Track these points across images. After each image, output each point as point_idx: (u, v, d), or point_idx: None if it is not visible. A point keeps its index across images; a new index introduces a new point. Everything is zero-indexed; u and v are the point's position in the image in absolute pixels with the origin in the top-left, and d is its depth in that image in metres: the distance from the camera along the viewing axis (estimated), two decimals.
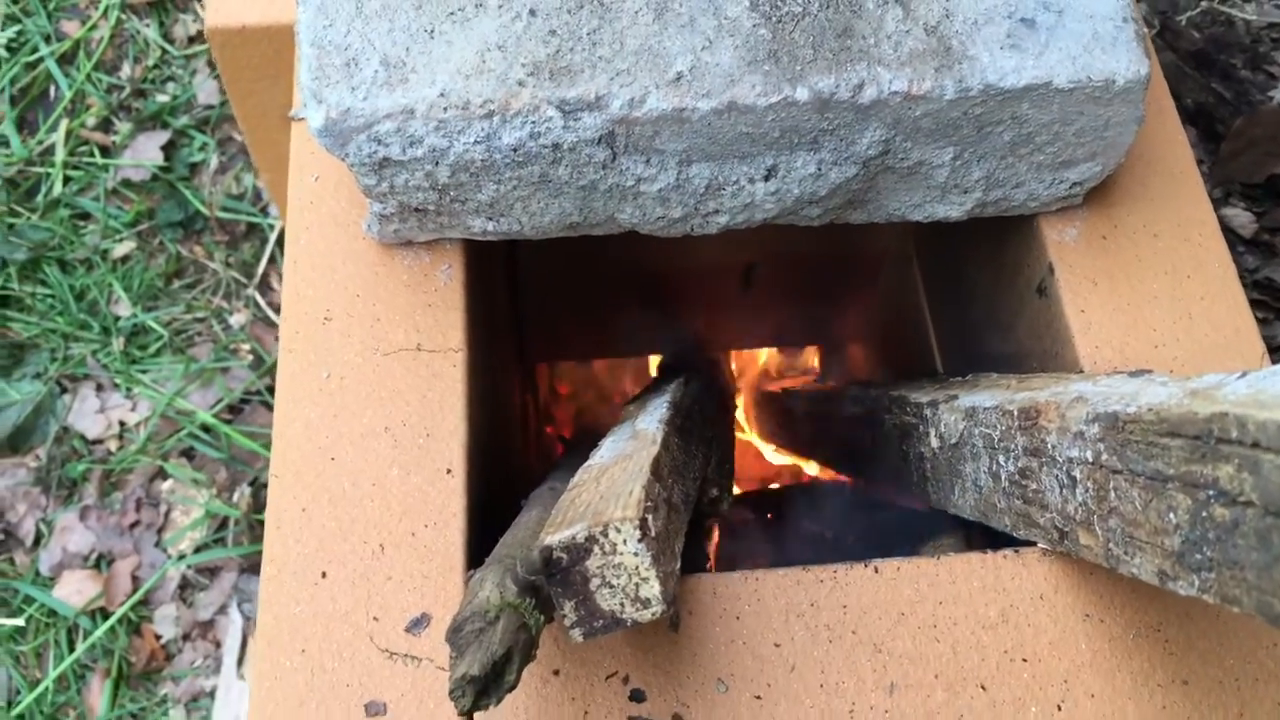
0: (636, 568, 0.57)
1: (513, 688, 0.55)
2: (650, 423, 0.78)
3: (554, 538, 0.57)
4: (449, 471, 0.71)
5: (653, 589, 0.57)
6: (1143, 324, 0.77)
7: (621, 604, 0.58)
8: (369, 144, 0.69)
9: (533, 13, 0.70)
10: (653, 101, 0.68)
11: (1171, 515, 0.55)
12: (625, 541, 0.56)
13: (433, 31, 0.70)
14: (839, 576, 0.69)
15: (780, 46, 0.70)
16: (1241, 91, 1.82)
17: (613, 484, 0.64)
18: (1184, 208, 0.80)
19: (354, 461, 0.71)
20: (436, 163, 0.70)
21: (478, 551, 0.70)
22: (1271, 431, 0.48)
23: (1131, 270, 0.79)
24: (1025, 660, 0.67)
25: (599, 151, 0.70)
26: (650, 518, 0.57)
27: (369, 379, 0.74)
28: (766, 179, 0.73)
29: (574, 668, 0.66)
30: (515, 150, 0.69)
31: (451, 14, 0.70)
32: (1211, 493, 0.51)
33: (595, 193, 0.73)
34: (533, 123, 0.68)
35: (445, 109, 0.68)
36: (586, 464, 0.72)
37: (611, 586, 0.57)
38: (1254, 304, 1.60)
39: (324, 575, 0.68)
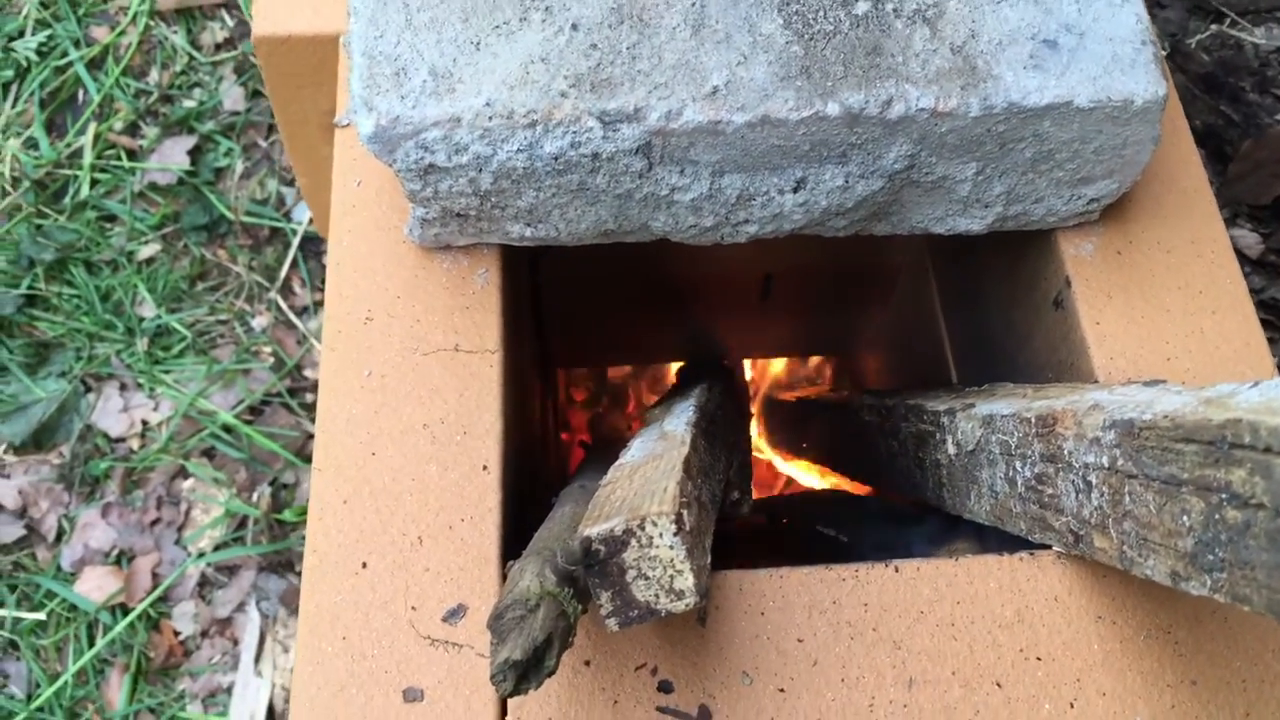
0: (672, 560, 0.59)
1: (552, 672, 0.57)
2: (678, 425, 0.80)
3: (593, 530, 0.59)
4: (485, 468, 0.74)
5: (687, 581, 0.60)
6: (1156, 337, 0.80)
7: (656, 595, 0.60)
8: (416, 150, 0.71)
9: (575, 27, 0.73)
10: (689, 114, 0.71)
11: (1185, 518, 0.57)
12: (661, 535, 0.59)
13: (479, 43, 0.73)
14: (860, 575, 0.71)
15: (812, 63, 0.72)
16: (1250, 114, 1.84)
17: (646, 481, 0.66)
18: (1197, 225, 0.83)
19: (394, 457, 0.74)
20: (480, 170, 0.72)
21: (511, 545, 0.73)
22: None
23: (1146, 285, 0.81)
24: (1039, 659, 0.69)
25: (636, 161, 0.73)
26: (685, 513, 0.60)
27: (409, 377, 0.77)
28: (796, 190, 0.76)
29: (604, 659, 0.69)
30: (556, 159, 0.72)
31: (497, 27, 0.73)
32: (1224, 496, 0.54)
33: (631, 201, 0.76)
34: (574, 133, 0.71)
35: (490, 118, 0.71)
36: (618, 462, 0.75)
37: (647, 578, 0.60)
38: (1261, 324, 1.62)
39: (364, 565, 0.71)
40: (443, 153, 0.72)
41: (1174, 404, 0.61)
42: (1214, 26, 1.91)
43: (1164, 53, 1.86)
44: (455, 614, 0.70)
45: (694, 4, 0.74)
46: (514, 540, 0.73)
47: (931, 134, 0.73)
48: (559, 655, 0.58)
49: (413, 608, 0.69)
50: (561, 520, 0.70)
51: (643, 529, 0.59)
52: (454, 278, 0.81)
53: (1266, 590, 0.52)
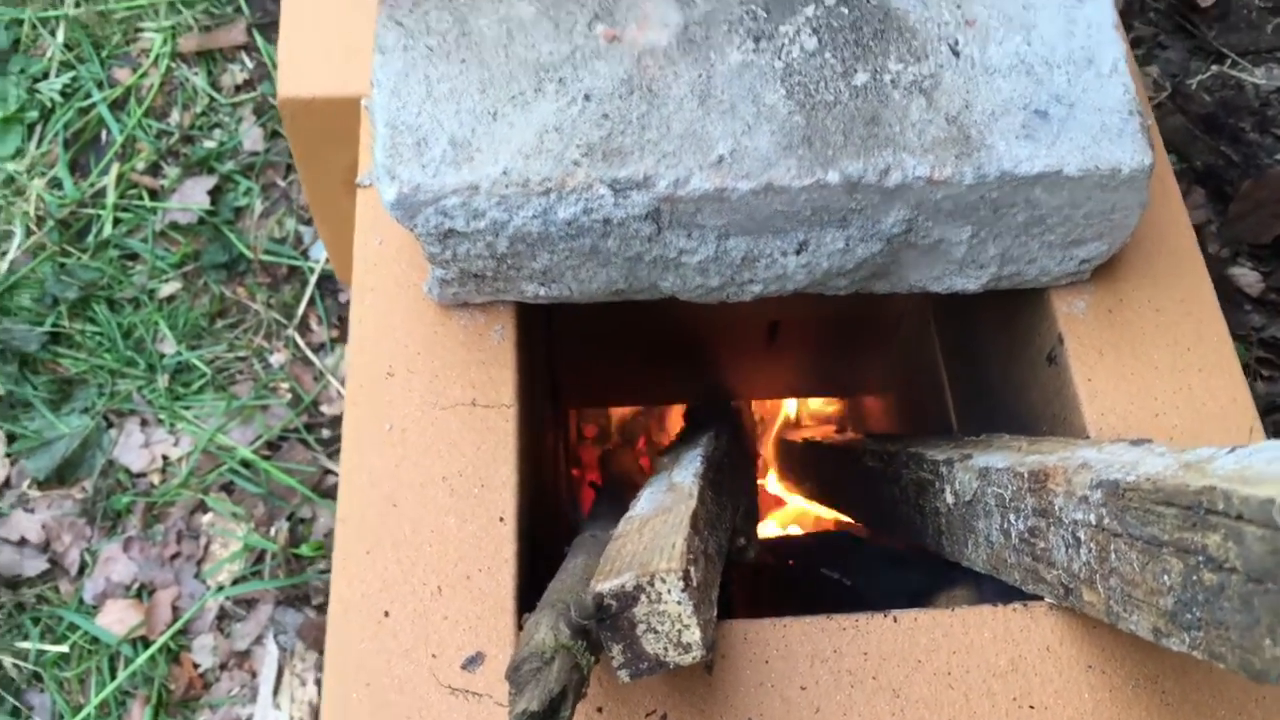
0: (679, 615, 0.62)
1: None
2: (685, 476, 0.84)
3: (605, 585, 0.63)
4: (501, 519, 0.77)
5: (694, 635, 0.63)
6: (1145, 393, 0.83)
7: (665, 648, 0.63)
8: (436, 216, 0.75)
9: (587, 97, 0.77)
10: (696, 182, 0.75)
11: (1165, 577, 0.60)
12: (670, 591, 0.62)
13: (495, 114, 0.76)
14: (860, 625, 0.74)
15: (813, 132, 0.76)
16: (1250, 154, 1.88)
17: (655, 536, 0.70)
18: (1185, 284, 0.86)
19: (414, 509, 0.77)
20: (497, 234, 0.76)
21: (526, 593, 0.76)
22: (1254, 506, 0.54)
23: (1136, 342, 0.85)
24: (1033, 707, 0.72)
25: (645, 226, 0.76)
26: (692, 569, 0.63)
27: (428, 431, 0.80)
28: (798, 253, 0.79)
29: (616, 705, 0.72)
30: (569, 224, 0.75)
31: (513, 98, 0.77)
32: (1201, 558, 0.57)
33: (640, 263, 0.79)
34: (586, 199, 0.75)
35: (507, 186, 0.74)
36: (628, 515, 0.78)
37: (656, 632, 0.63)
38: (1261, 362, 1.65)
39: (386, 614, 0.74)
40: (461, 218, 0.75)
41: (1156, 466, 0.64)
42: (1215, 67, 1.95)
43: (1162, 93, 1.90)
44: (474, 661, 0.73)
45: (700, 75, 0.78)
46: (529, 588, 0.76)
47: (928, 200, 0.77)
48: (573, 706, 0.61)
49: (433, 655, 0.73)
50: (574, 572, 0.74)
51: (652, 585, 0.62)
52: (471, 334, 0.84)
53: (1240, 650, 0.55)
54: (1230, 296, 1.76)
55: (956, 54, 0.79)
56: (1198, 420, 0.80)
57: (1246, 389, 0.82)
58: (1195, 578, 0.57)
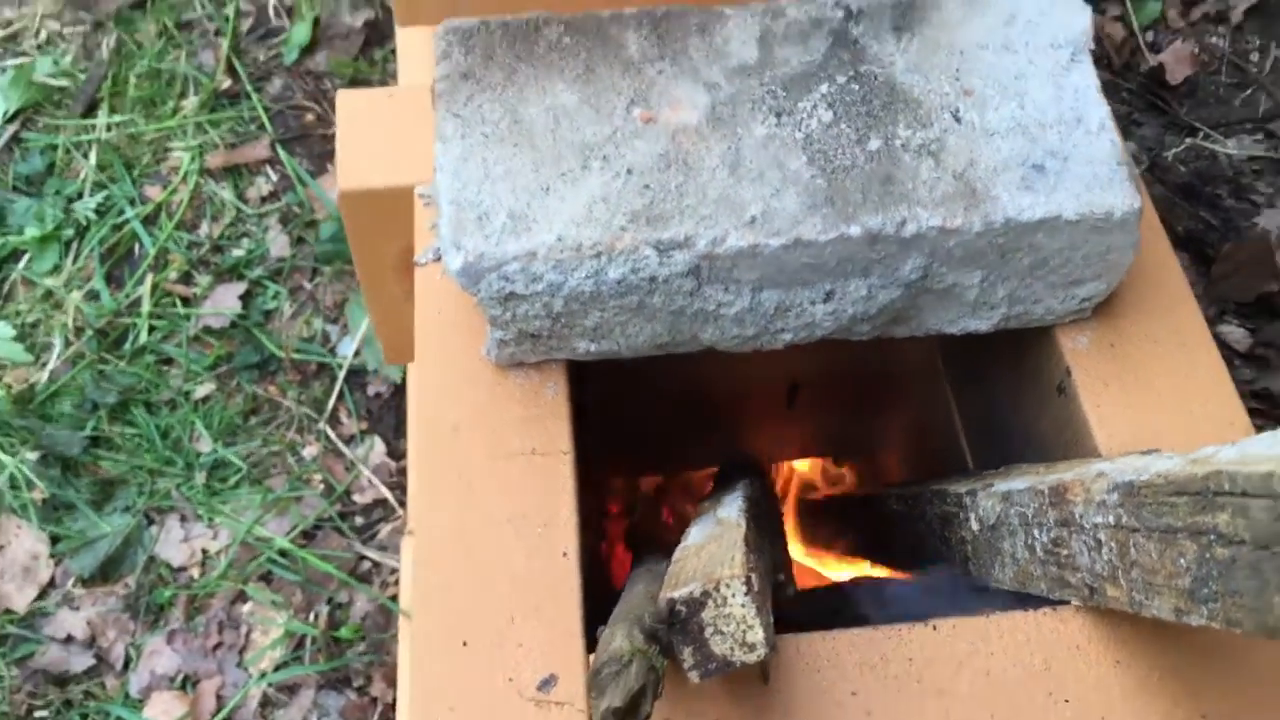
0: (744, 617, 0.69)
1: (648, 717, 0.66)
2: (731, 511, 0.91)
3: (675, 593, 0.69)
4: (564, 554, 0.84)
5: (758, 635, 0.69)
6: (1149, 418, 0.90)
7: (731, 648, 0.70)
8: (498, 281, 0.83)
9: (630, 171, 0.86)
10: (732, 240, 0.83)
11: (1182, 560, 0.67)
12: (734, 595, 0.69)
13: (548, 189, 0.85)
14: (903, 634, 0.81)
15: (835, 192, 0.85)
16: (1228, 219, 1.98)
17: (712, 556, 0.77)
18: (1178, 319, 0.94)
19: (485, 549, 0.84)
20: (553, 295, 0.84)
21: (590, 620, 0.82)
22: (1256, 481, 0.61)
23: (1138, 373, 0.92)
24: (1068, 701, 0.78)
25: (687, 282, 0.84)
26: (753, 575, 0.70)
27: (492, 479, 0.87)
28: (825, 301, 0.88)
29: (681, 716, 0.78)
30: (618, 283, 0.84)
31: (563, 174, 0.86)
32: (1212, 537, 0.64)
33: (683, 316, 0.87)
34: (633, 260, 0.83)
35: (561, 251, 0.82)
36: (681, 545, 0.85)
37: (723, 634, 0.70)
38: (1252, 413, 1.73)
39: (465, 644, 0.80)
40: (521, 282, 0.83)
41: (1167, 465, 0.71)
42: (1188, 140, 2.06)
43: (1141, 166, 2.00)
44: (548, 683, 0.79)
45: (729, 148, 0.87)
46: (590, 618, 0.83)
47: (941, 248, 0.85)
48: (652, 702, 0.67)
49: (509, 679, 0.79)
50: (637, 595, 0.80)
51: (718, 590, 0.69)
52: (527, 391, 0.91)
53: (1254, 613, 0.61)
54: (1220, 353, 1.84)
55: (958, 120, 0.89)
56: (1199, 440, 0.88)
57: (1243, 411, 0.89)
58: (1208, 555, 0.64)
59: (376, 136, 1.06)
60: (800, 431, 1.47)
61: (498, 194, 0.85)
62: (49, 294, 1.97)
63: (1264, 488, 0.60)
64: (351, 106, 1.07)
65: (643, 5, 0.96)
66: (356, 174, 1.03)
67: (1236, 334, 1.85)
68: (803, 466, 1.66)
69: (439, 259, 0.94)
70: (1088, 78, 0.91)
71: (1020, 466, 0.96)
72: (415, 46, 1.16)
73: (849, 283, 0.87)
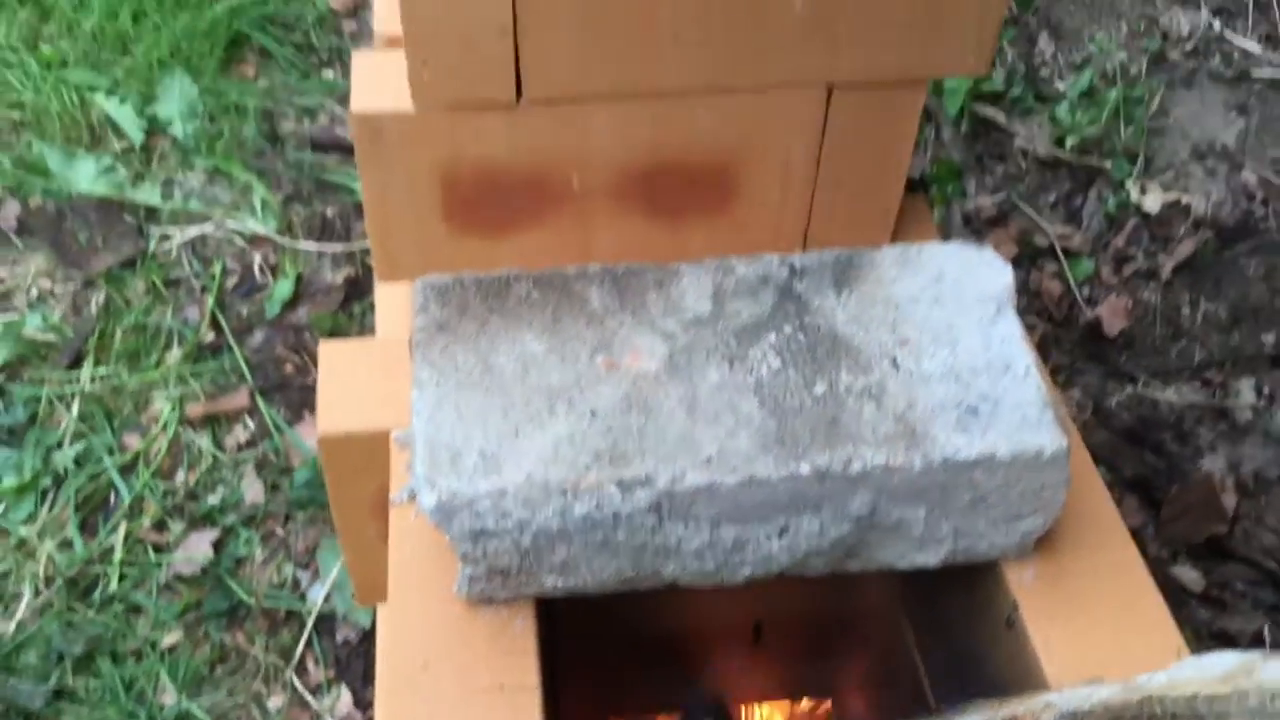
0: None
1: None
2: None
3: None
4: None
5: None
6: (1094, 649, 0.94)
7: None
8: (470, 518, 0.88)
9: (593, 414, 0.92)
10: (690, 478, 0.88)
11: None
12: None
13: (517, 431, 0.91)
14: None
15: (785, 433, 0.91)
16: (1174, 462, 2.05)
17: None
18: (1114, 552, 0.99)
19: None
20: (522, 531, 0.89)
21: None
22: (1182, 704, 0.65)
23: (1082, 604, 0.97)
24: None
25: (649, 518, 0.89)
26: None
27: (462, 714, 0.89)
28: (780, 536, 0.92)
29: None
30: (584, 519, 0.88)
31: (531, 418, 0.92)
32: None
33: (646, 551, 0.91)
34: (598, 497, 0.88)
35: (530, 489, 0.88)
36: None
37: None
38: None
39: None
40: (491, 518, 0.88)
41: (1107, 694, 0.76)
42: (1129, 388, 2.16)
43: (1085, 413, 2.09)
44: None
45: (687, 392, 0.94)
46: None
47: (886, 484, 0.91)
48: None
49: None
50: None
51: None
52: (495, 627, 0.94)
53: None
54: (1175, 595, 1.88)
55: (896, 366, 0.96)
56: (1141, 666, 0.91)
57: (1178, 635, 0.93)
58: None
59: (356, 383, 1.13)
60: (766, 672, 1.49)
61: (470, 436, 0.91)
62: (22, 543, 1.98)
63: (1189, 710, 0.64)
64: (333, 356, 1.14)
65: (604, 264, 1.05)
66: (336, 419, 1.09)
67: (1190, 575, 1.90)
68: (770, 712, 1.66)
69: (414, 498, 0.99)
70: (1013, 328, 0.99)
71: (976, 702, 0.99)
72: (393, 300, 1.24)
73: (801, 518, 0.92)
